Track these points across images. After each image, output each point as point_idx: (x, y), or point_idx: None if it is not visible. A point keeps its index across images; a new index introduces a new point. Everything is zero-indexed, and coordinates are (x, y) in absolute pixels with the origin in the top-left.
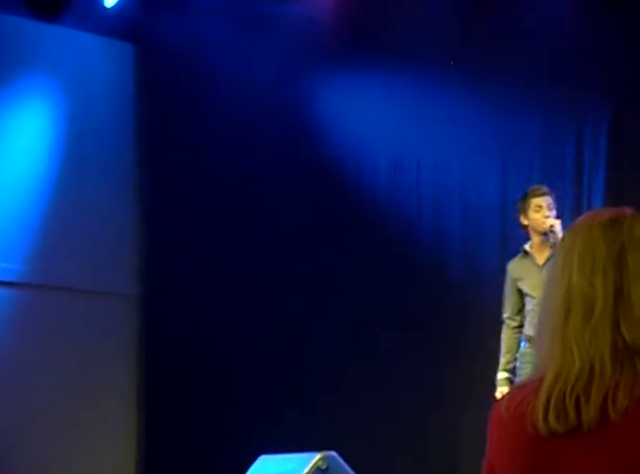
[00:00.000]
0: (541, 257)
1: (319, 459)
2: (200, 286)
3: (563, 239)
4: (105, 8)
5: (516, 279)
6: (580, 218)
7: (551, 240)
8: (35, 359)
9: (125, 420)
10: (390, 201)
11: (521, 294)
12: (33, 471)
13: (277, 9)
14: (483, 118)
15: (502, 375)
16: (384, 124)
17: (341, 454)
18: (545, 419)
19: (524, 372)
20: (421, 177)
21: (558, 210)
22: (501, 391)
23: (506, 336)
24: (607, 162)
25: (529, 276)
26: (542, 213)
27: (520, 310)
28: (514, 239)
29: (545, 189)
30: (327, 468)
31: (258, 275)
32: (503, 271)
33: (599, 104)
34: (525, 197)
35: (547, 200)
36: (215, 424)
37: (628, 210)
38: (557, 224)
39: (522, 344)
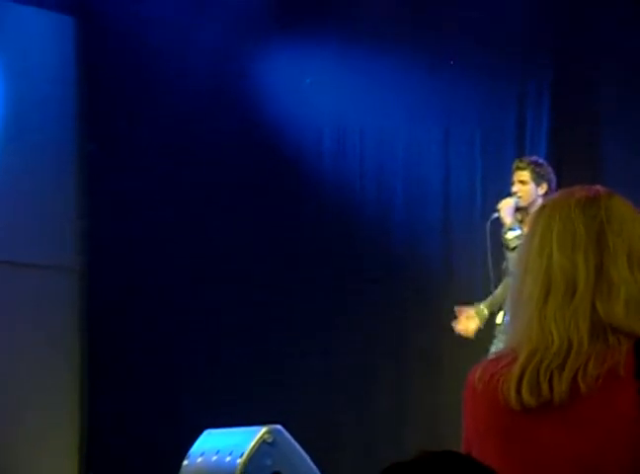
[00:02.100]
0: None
1: (265, 432)
2: (143, 260)
3: (538, 217)
4: None
5: None
6: (553, 197)
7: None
8: None
9: (68, 391)
10: (333, 170)
11: None
12: None
13: None
14: (425, 85)
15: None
16: (327, 94)
17: (285, 428)
18: (518, 392)
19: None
20: (364, 145)
21: (501, 181)
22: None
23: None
24: (550, 126)
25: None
26: (513, 189)
27: None
28: (457, 208)
29: (518, 163)
30: (273, 441)
31: (202, 248)
32: (445, 241)
33: (541, 69)
34: None
35: (518, 175)
36: (159, 398)
37: (602, 189)
38: (502, 209)
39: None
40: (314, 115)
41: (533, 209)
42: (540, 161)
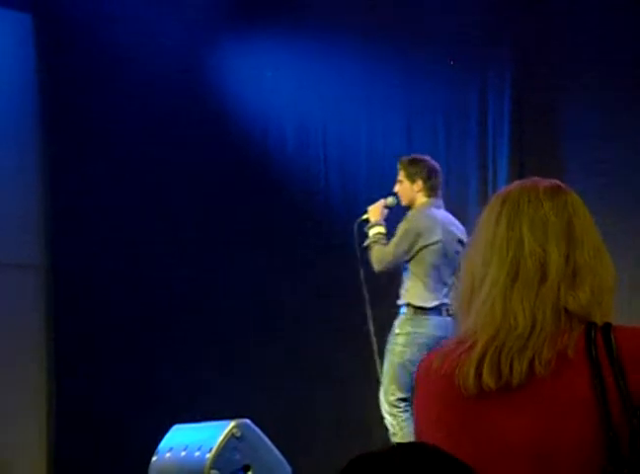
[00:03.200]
0: None
1: (233, 427)
2: (107, 256)
3: (502, 204)
4: None
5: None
6: (516, 185)
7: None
8: None
9: (34, 390)
10: (297, 163)
11: None
12: None
13: None
14: (387, 78)
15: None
16: (289, 88)
17: (254, 422)
18: (478, 375)
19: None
20: (327, 137)
21: (464, 169)
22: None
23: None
24: (511, 119)
25: None
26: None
27: None
28: None
29: (400, 161)
30: (241, 436)
31: (169, 243)
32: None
33: (502, 60)
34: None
35: (398, 175)
36: (126, 394)
37: (560, 183)
38: (370, 209)
39: (402, 310)
40: (276, 108)
41: (416, 206)
42: (417, 158)
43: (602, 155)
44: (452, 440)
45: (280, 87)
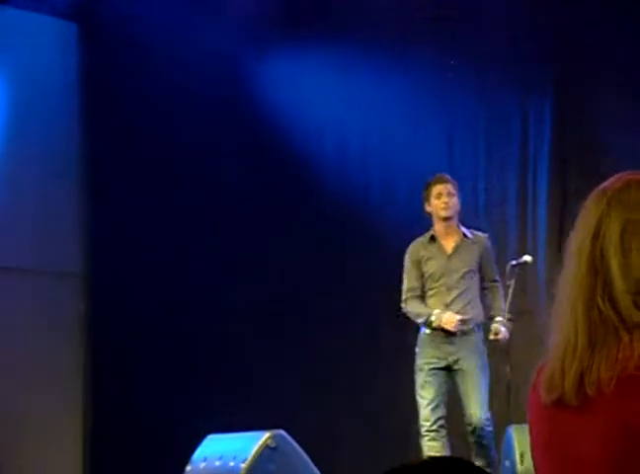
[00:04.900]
0: (448, 245)
1: (268, 438)
2: (147, 265)
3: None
4: None
5: (419, 261)
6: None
7: (463, 231)
8: None
9: (71, 398)
10: (336, 174)
11: (422, 276)
12: None
13: None
14: (428, 91)
15: (438, 311)
16: (329, 96)
17: (288, 432)
18: (544, 389)
19: (425, 358)
20: (368, 149)
21: (504, 171)
22: (450, 320)
23: (415, 304)
24: (552, 126)
25: (436, 262)
26: (442, 200)
27: (420, 290)
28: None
29: (447, 177)
30: (276, 447)
31: (203, 249)
32: None
33: (542, 75)
34: (428, 186)
35: (447, 188)
36: (160, 403)
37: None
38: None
39: (422, 329)
40: (316, 117)
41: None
42: None
43: None
44: (539, 449)
45: (321, 97)
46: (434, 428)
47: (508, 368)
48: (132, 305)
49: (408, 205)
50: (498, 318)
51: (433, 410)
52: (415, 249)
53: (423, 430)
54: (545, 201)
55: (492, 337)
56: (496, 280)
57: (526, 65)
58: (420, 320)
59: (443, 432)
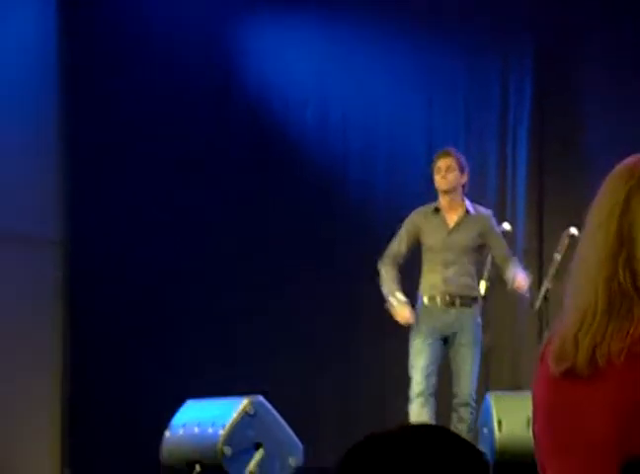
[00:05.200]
0: (451, 219)
1: (247, 404)
2: (125, 232)
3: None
4: None
5: (416, 230)
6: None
7: (467, 206)
8: None
9: (51, 363)
10: (317, 141)
11: (412, 245)
12: None
13: None
14: (408, 54)
15: (400, 298)
16: (312, 63)
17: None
18: (554, 359)
19: (421, 327)
20: (348, 115)
21: (482, 139)
22: (402, 315)
23: (388, 274)
24: (532, 95)
25: (436, 235)
26: (440, 175)
27: (402, 258)
28: None
29: (450, 151)
30: (255, 413)
31: (185, 218)
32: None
33: (522, 39)
34: (433, 160)
35: (446, 162)
36: (140, 369)
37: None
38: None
39: (419, 300)
40: (298, 85)
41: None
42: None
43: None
44: (542, 421)
45: (303, 65)
46: (425, 394)
47: (486, 336)
48: (112, 273)
49: (388, 170)
50: (511, 268)
51: (426, 377)
52: (415, 217)
53: (413, 394)
54: (525, 171)
55: (515, 286)
56: (507, 255)
57: (507, 34)
58: (382, 290)
59: (433, 400)
